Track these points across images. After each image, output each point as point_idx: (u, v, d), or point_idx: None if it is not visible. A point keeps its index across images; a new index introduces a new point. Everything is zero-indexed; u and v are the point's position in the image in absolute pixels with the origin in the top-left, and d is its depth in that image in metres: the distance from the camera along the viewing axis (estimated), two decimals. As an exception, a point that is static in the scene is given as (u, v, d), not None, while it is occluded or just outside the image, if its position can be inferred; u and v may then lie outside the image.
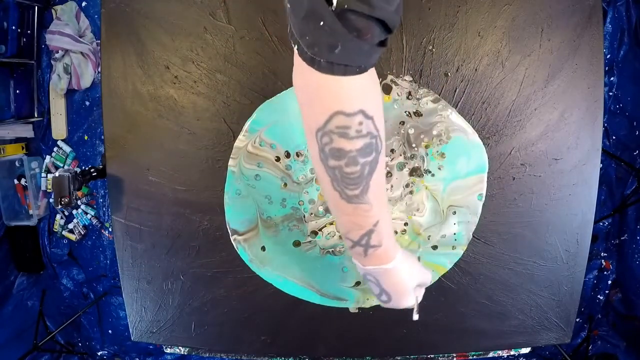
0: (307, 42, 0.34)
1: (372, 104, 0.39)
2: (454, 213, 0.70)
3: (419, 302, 0.57)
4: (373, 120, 0.39)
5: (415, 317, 0.57)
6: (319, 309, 0.74)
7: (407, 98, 0.68)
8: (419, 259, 0.68)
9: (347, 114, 0.37)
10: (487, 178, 0.70)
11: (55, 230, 1.88)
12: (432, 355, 0.79)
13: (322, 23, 0.32)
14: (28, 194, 1.80)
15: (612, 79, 1.54)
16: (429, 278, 0.57)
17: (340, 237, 0.72)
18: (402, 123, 0.68)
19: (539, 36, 0.66)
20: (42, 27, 1.75)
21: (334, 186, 0.42)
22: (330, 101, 0.37)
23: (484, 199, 0.70)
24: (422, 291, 0.58)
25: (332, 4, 0.31)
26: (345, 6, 0.31)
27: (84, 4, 1.73)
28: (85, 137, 1.81)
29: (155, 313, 0.78)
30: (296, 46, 0.36)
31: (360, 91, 0.37)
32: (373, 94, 0.39)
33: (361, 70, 0.36)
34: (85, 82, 1.73)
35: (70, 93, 1.79)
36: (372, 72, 0.39)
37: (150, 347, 1.88)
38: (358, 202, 0.43)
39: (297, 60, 0.37)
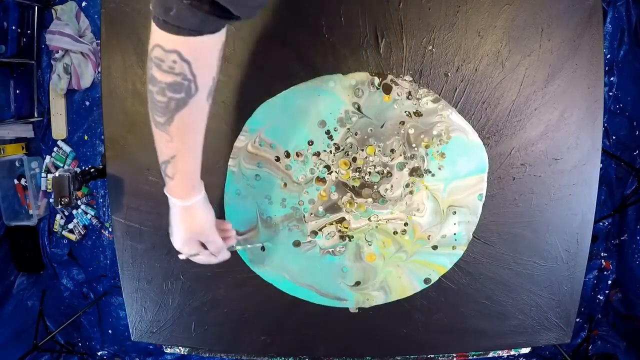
0: (152, 2, 0.40)
1: (193, 52, 0.43)
2: (454, 213, 0.70)
3: (196, 259, 0.60)
4: (190, 65, 0.43)
5: (181, 257, 0.61)
6: (319, 309, 0.74)
7: (407, 98, 0.68)
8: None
9: (164, 49, 0.42)
10: (487, 178, 0.70)
11: (55, 230, 1.87)
12: (432, 355, 0.79)
13: None
14: (28, 194, 1.80)
15: (612, 79, 1.54)
16: (222, 254, 0.61)
17: (340, 237, 0.72)
18: (402, 123, 0.68)
19: (539, 36, 0.66)
20: (42, 27, 1.74)
21: (150, 107, 0.47)
22: (155, 35, 0.42)
23: (484, 199, 0.70)
24: (209, 259, 0.61)
25: None
26: None
27: (84, 4, 1.73)
28: (85, 137, 1.81)
29: (155, 313, 0.78)
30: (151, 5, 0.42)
31: (184, 39, 0.42)
32: (201, 49, 0.44)
33: (196, 33, 0.41)
34: (85, 82, 1.73)
35: (70, 93, 1.79)
36: (215, 38, 0.44)
37: (150, 347, 1.88)
38: (161, 129, 0.48)
39: None
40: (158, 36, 0.42)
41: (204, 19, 0.40)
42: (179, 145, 0.49)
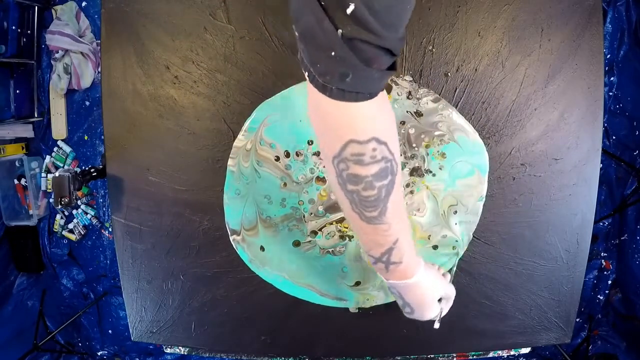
0: (318, 70, 0.35)
1: (384, 128, 0.40)
2: (455, 213, 0.70)
3: (443, 314, 0.60)
4: (387, 145, 0.39)
5: (437, 325, 0.60)
6: (319, 309, 0.74)
7: (408, 98, 0.68)
8: (449, 271, 0.70)
9: (360, 142, 0.38)
10: (487, 178, 0.70)
11: (55, 230, 1.88)
12: (432, 355, 0.79)
13: (333, 53, 0.33)
14: (28, 194, 1.80)
15: (612, 79, 1.54)
16: (453, 292, 0.60)
17: (340, 236, 0.72)
18: (403, 123, 0.68)
19: (539, 36, 0.66)
20: (42, 27, 1.75)
21: (353, 208, 0.43)
22: (343, 131, 0.38)
23: (484, 199, 0.70)
24: (449, 304, 0.61)
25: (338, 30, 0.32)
26: (354, 36, 0.32)
27: (84, 4, 1.73)
28: (85, 137, 1.81)
29: (155, 313, 0.78)
30: (307, 73, 0.37)
31: (371, 118, 0.38)
32: (385, 118, 0.40)
33: (372, 96, 0.37)
34: (85, 82, 1.73)
35: (70, 93, 1.79)
36: (383, 94, 0.39)
37: (150, 347, 1.88)
38: (377, 222, 0.44)
39: (310, 88, 0.38)
40: (346, 130, 0.38)
41: (380, 76, 0.36)
42: (398, 226, 0.46)
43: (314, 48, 0.34)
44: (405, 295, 0.54)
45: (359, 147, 0.38)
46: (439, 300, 0.58)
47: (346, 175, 0.40)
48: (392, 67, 0.37)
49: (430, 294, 0.55)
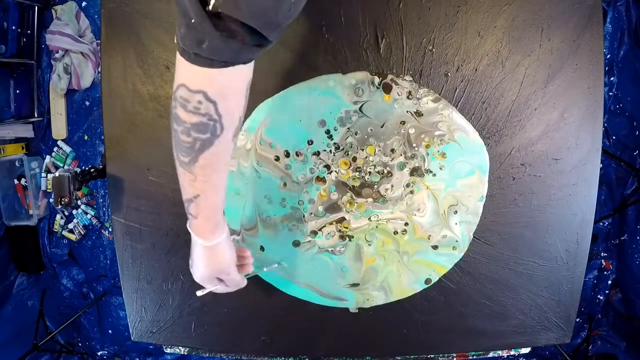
0: (181, 34, 0.38)
1: (220, 90, 0.42)
2: (455, 213, 0.70)
3: (214, 291, 0.59)
4: (216, 105, 0.42)
5: (199, 293, 0.59)
6: (319, 309, 0.74)
7: (408, 98, 0.68)
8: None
9: (189, 89, 0.41)
10: (487, 178, 0.70)
11: (55, 230, 1.87)
12: (432, 355, 0.79)
13: (192, 21, 0.36)
14: (28, 194, 1.80)
15: (612, 79, 1.54)
16: (240, 284, 0.60)
17: (340, 236, 0.72)
18: (403, 123, 0.68)
19: (539, 36, 0.66)
20: (42, 27, 1.75)
21: (174, 146, 0.47)
22: (180, 73, 0.42)
23: (484, 199, 0.70)
24: (226, 289, 0.60)
25: (208, 4, 0.35)
26: (219, 10, 0.34)
27: (84, 4, 1.73)
28: (85, 137, 1.81)
29: (155, 313, 0.78)
30: (175, 36, 0.40)
31: (210, 77, 0.41)
32: (226, 86, 0.42)
33: (227, 65, 0.40)
34: (85, 82, 1.73)
35: (70, 93, 1.79)
36: (244, 73, 0.42)
37: (150, 347, 1.88)
38: (186, 169, 0.47)
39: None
40: (183, 75, 0.41)
41: (239, 49, 0.38)
42: (203, 184, 0.48)
43: (180, 14, 0.37)
44: (193, 249, 0.56)
45: (187, 93, 0.41)
46: (221, 279, 0.58)
47: (173, 114, 0.43)
48: (262, 45, 0.40)
49: (210, 267, 0.56)
